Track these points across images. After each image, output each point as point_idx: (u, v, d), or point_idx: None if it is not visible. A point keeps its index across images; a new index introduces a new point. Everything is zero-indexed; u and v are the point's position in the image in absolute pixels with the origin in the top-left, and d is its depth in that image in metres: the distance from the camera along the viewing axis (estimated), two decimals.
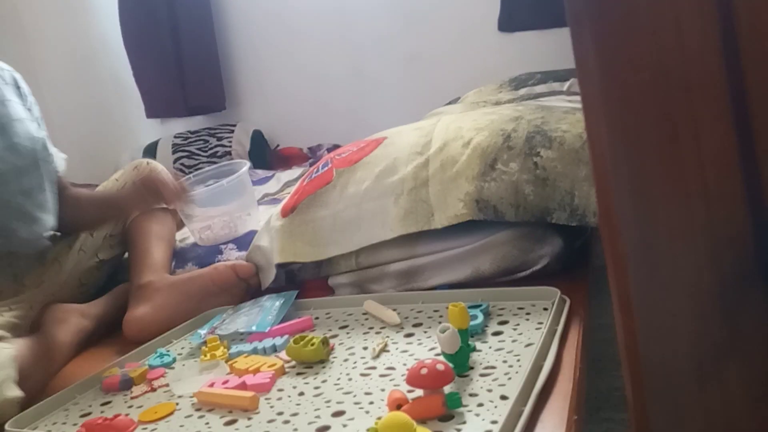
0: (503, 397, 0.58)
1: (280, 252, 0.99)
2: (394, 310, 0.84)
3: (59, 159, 1.10)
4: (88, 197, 1.12)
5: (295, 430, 0.60)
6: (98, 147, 2.41)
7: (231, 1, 2.26)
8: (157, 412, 0.69)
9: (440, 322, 0.78)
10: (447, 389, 0.59)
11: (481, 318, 0.75)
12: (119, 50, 2.30)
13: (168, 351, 0.87)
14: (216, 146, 2.21)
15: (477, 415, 0.56)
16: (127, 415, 0.71)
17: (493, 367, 0.64)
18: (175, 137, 2.25)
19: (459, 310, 0.67)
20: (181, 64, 2.21)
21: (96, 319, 1.05)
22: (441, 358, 0.65)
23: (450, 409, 0.57)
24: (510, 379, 0.61)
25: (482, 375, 0.63)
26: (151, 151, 2.26)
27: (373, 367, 0.70)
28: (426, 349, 0.72)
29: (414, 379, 0.59)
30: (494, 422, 0.54)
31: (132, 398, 0.76)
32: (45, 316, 1.01)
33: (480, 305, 0.78)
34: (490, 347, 0.69)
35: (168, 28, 2.19)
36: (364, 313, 0.87)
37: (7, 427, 0.70)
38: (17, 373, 0.78)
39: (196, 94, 2.26)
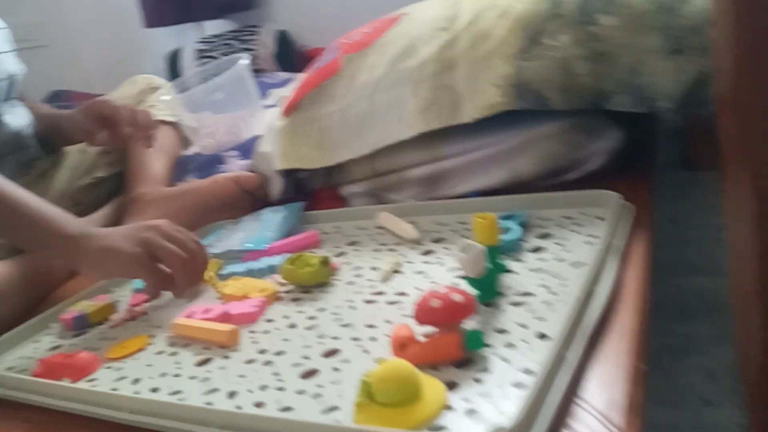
0: (541, 336, 0.44)
1: (282, 157, 0.84)
2: (413, 223, 0.69)
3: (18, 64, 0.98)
4: (40, 112, 1.00)
5: (276, 374, 0.48)
6: (119, 57, 2.29)
7: None
8: (126, 347, 0.59)
9: (466, 238, 0.63)
10: (467, 325, 0.45)
11: (516, 231, 0.59)
12: None
13: None
14: (240, 50, 2.04)
15: (505, 359, 0.42)
16: (97, 350, 0.60)
17: (530, 294, 0.50)
18: (197, 42, 2.10)
19: (487, 222, 0.52)
20: None
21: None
22: (464, 282, 0.51)
23: (469, 352, 0.43)
24: (552, 311, 0.47)
25: (514, 304, 0.49)
26: (173, 59, 2.12)
27: (381, 292, 0.57)
28: (446, 270, 0.58)
29: (423, 313, 0.45)
30: (528, 371, 0.40)
31: (111, 327, 0.66)
32: None
33: (516, 215, 0.63)
34: (526, 268, 0.54)
35: None
36: (378, 227, 0.73)
37: None
38: None
39: None
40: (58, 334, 0.68)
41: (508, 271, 0.54)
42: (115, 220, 0.95)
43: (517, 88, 0.69)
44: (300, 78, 0.92)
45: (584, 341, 0.41)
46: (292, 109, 0.86)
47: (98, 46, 2.24)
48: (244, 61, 1.00)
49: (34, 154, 0.96)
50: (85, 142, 0.95)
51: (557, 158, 0.71)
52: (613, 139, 0.70)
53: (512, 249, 0.57)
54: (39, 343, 0.67)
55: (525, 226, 0.61)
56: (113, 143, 0.90)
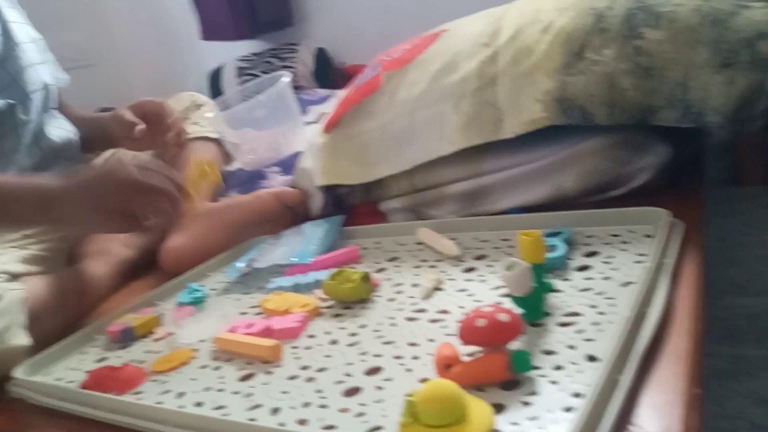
0: (591, 358, 0.43)
1: (322, 173, 0.85)
2: (454, 239, 0.69)
3: (61, 73, 1.02)
4: (81, 116, 1.02)
5: (319, 391, 0.48)
6: (164, 74, 2.35)
7: None
8: (171, 360, 0.60)
9: (509, 255, 0.62)
10: (513, 346, 0.44)
11: (562, 248, 0.58)
12: None
13: (201, 286, 0.77)
14: (279, 67, 2.08)
15: (554, 382, 0.41)
16: (142, 363, 0.61)
17: (578, 314, 0.49)
18: (238, 60, 2.15)
19: (532, 239, 0.51)
20: None
21: (140, 248, 0.97)
22: (508, 301, 0.50)
23: (516, 373, 0.42)
24: (601, 331, 0.45)
25: (562, 325, 0.48)
26: (215, 76, 2.17)
27: (423, 310, 0.57)
28: (489, 288, 0.57)
29: (468, 332, 0.44)
30: (578, 394, 0.39)
31: (156, 341, 0.67)
32: (83, 246, 0.94)
33: (561, 232, 0.62)
34: (573, 287, 0.53)
35: None
36: (418, 243, 0.73)
37: (15, 375, 0.63)
38: (27, 317, 0.71)
39: (265, 11, 2.11)
40: (104, 346, 0.69)
41: (554, 290, 0.53)
42: (164, 233, 0.97)
43: (560, 103, 0.68)
44: (340, 95, 0.93)
45: (636, 364, 0.40)
46: (332, 126, 0.86)
47: (144, 64, 2.30)
48: (285, 78, 1.02)
49: (77, 165, 0.98)
50: (121, 144, 0.96)
51: (602, 174, 0.69)
52: (659, 155, 0.69)
53: (558, 267, 0.56)
54: (86, 355, 0.68)
55: (570, 243, 0.60)
56: (149, 141, 0.91)
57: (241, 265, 0.79)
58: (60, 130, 0.94)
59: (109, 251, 0.93)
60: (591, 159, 0.70)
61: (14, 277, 0.75)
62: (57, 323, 0.75)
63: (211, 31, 2.14)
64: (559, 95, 0.68)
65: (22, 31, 0.91)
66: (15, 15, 0.92)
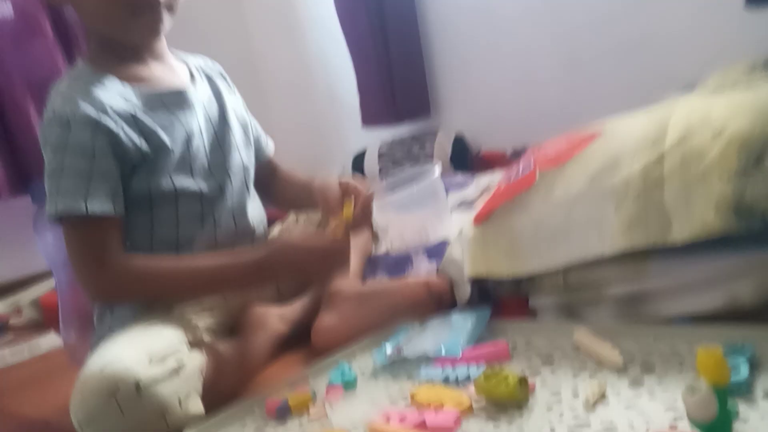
0: None
1: (472, 264, 0.86)
2: (614, 346, 0.65)
3: (268, 141, 1.12)
4: (293, 177, 1.11)
5: None
6: (312, 155, 2.52)
7: (436, 3, 2.20)
8: None
9: (680, 370, 0.58)
10: None
11: (745, 369, 0.53)
12: (333, 62, 2.39)
13: (350, 368, 0.80)
14: (419, 152, 2.17)
15: None
16: None
17: None
18: (381, 145, 2.27)
19: (714, 358, 0.48)
20: (391, 71, 2.21)
21: (293, 323, 1.03)
22: (685, 425, 0.46)
23: None
24: None
25: None
26: (359, 159, 2.30)
27: (587, 425, 0.54)
28: (662, 407, 0.54)
29: None
30: None
31: (310, 420, 0.70)
32: (245, 318, 1.00)
33: (742, 349, 0.57)
34: (758, 415, 0.48)
35: (379, 35, 2.19)
36: (574, 346, 0.70)
37: None
38: (201, 385, 0.76)
39: (404, 100, 2.24)
40: (261, 419, 0.72)
41: (739, 416, 0.49)
42: (312, 310, 1.02)
43: (737, 209, 0.65)
44: (491, 188, 0.94)
45: None
46: (484, 219, 0.88)
47: (293, 136, 2.46)
48: (437, 171, 1.06)
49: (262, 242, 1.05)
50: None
51: None
52: None
53: (741, 391, 0.52)
54: (245, 427, 0.72)
55: (754, 363, 0.55)
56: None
57: (389, 350, 0.81)
58: (254, 210, 1.02)
59: (266, 325, 0.99)
60: None
61: (193, 345, 0.82)
62: (221, 392, 0.80)
63: (372, 117, 2.29)
64: (736, 202, 0.65)
65: (237, 115, 1.02)
66: (233, 100, 1.03)
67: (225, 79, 1.05)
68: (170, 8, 0.87)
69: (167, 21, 0.88)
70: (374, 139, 2.36)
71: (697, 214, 0.67)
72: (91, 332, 0.99)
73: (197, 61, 1.03)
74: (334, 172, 2.37)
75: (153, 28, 0.88)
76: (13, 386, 1.20)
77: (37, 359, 1.36)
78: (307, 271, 0.88)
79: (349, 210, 0.90)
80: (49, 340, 1.49)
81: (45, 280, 1.86)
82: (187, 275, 0.85)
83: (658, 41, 1.71)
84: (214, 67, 1.05)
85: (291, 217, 1.16)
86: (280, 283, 1.05)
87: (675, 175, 0.70)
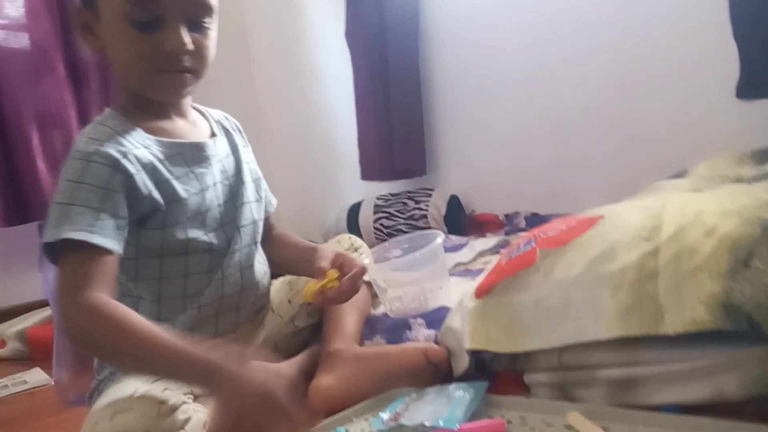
0: None
1: (471, 337, 0.89)
2: (605, 429, 0.69)
3: (272, 199, 1.15)
4: (292, 241, 1.13)
5: None
6: (308, 205, 2.55)
7: (436, 69, 2.30)
8: None
9: None
10: None
11: None
12: (334, 115, 2.46)
13: None
14: (413, 209, 2.23)
15: None
16: None
17: None
18: (377, 198, 2.32)
19: None
20: (391, 130, 2.29)
21: (290, 381, 1.04)
22: None
23: None
24: None
25: None
26: (354, 210, 2.34)
27: None
28: None
29: None
30: None
31: None
32: None
33: None
34: None
35: (382, 96, 2.28)
36: (567, 426, 0.73)
37: None
38: None
39: (402, 158, 2.31)
40: None
41: None
42: (309, 368, 1.04)
43: (726, 308, 0.69)
44: (494, 264, 0.98)
45: None
46: (484, 293, 0.92)
47: (290, 183, 2.49)
48: (440, 239, 1.10)
49: (264, 300, 1.09)
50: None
51: None
52: None
53: None
54: None
55: None
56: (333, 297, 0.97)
57: (386, 416, 0.83)
58: (260, 264, 1.05)
59: None
60: (756, 366, 0.69)
61: (195, 398, 0.83)
62: None
63: (370, 172, 2.35)
64: (725, 300, 0.69)
65: (250, 170, 1.05)
66: (247, 154, 1.07)
67: (241, 133, 1.10)
68: (196, 73, 0.91)
69: (192, 84, 0.92)
70: (371, 191, 2.42)
71: (688, 309, 0.71)
72: (85, 373, 0.99)
73: (217, 115, 1.07)
74: (329, 222, 2.41)
75: (177, 91, 0.93)
76: None
77: (23, 396, 1.35)
78: (239, 413, 0.73)
79: (331, 279, 0.92)
80: (35, 376, 1.48)
81: (33, 312, 1.85)
82: (138, 338, 0.74)
83: (648, 121, 1.80)
84: (232, 122, 1.09)
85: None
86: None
87: (668, 268, 0.75)
